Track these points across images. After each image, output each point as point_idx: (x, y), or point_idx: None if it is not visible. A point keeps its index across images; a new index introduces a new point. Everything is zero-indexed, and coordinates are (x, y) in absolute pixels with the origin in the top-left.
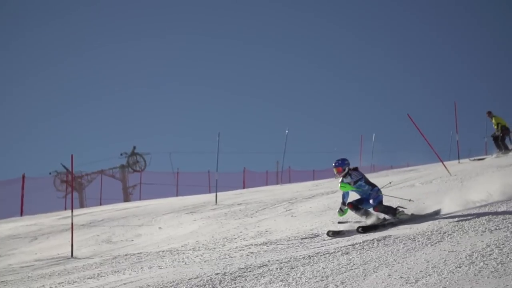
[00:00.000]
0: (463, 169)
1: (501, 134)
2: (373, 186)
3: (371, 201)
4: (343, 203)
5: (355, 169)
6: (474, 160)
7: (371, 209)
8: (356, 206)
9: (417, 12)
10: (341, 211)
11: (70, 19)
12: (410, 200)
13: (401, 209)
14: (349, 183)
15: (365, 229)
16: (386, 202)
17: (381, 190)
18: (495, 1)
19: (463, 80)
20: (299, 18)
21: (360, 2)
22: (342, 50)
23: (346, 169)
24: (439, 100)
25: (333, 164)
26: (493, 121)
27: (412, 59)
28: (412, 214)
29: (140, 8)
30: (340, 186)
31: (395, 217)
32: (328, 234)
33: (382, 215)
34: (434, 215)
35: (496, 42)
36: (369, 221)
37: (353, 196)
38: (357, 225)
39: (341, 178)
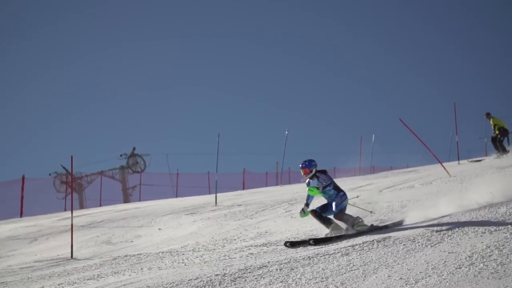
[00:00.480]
0: (462, 170)
1: (498, 136)
2: (339, 191)
3: (333, 205)
4: (307, 205)
5: (323, 172)
6: (472, 161)
7: (332, 216)
8: (319, 214)
9: (417, 12)
10: (303, 212)
11: (69, 22)
12: (371, 213)
13: (360, 220)
14: (317, 188)
15: (316, 241)
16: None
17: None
18: (496, 1)
19: (463, 81)
20: (299, 18)
21: (360, 2)
22: (342, 50)
23: (314, 171)
24: (439, 101)
25: (300, 166)
26: (491, 122)
27: (412, 60)
28: (371, 225)
29: (139, 11)
30: (308, 190)
31: (353, 228)
32: (285, 244)
33: (344, 225)
34: (397, 226)
35: (496, 42)
36: (327, 231)
37: (319, 198)
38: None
39: (308, 180)
